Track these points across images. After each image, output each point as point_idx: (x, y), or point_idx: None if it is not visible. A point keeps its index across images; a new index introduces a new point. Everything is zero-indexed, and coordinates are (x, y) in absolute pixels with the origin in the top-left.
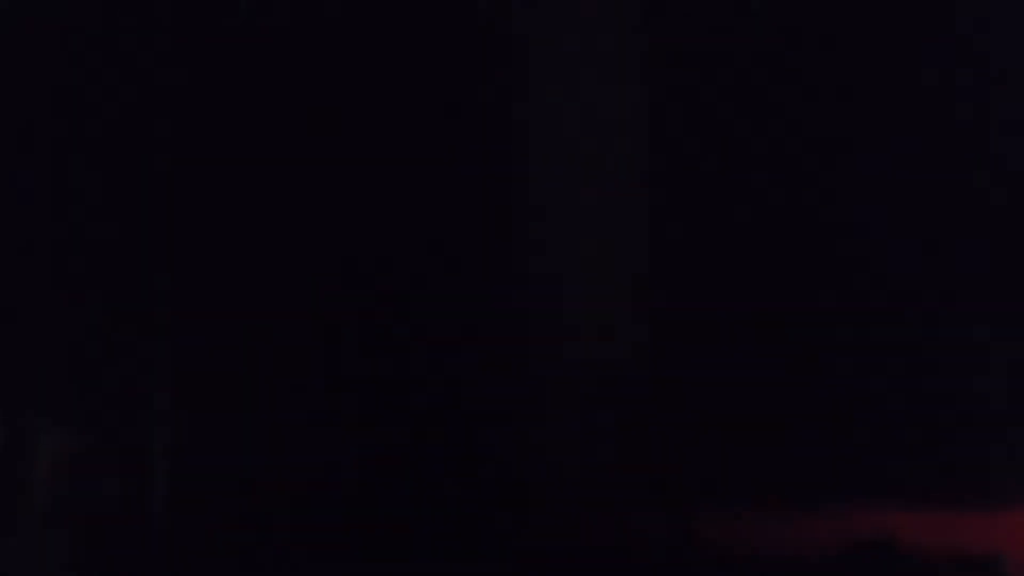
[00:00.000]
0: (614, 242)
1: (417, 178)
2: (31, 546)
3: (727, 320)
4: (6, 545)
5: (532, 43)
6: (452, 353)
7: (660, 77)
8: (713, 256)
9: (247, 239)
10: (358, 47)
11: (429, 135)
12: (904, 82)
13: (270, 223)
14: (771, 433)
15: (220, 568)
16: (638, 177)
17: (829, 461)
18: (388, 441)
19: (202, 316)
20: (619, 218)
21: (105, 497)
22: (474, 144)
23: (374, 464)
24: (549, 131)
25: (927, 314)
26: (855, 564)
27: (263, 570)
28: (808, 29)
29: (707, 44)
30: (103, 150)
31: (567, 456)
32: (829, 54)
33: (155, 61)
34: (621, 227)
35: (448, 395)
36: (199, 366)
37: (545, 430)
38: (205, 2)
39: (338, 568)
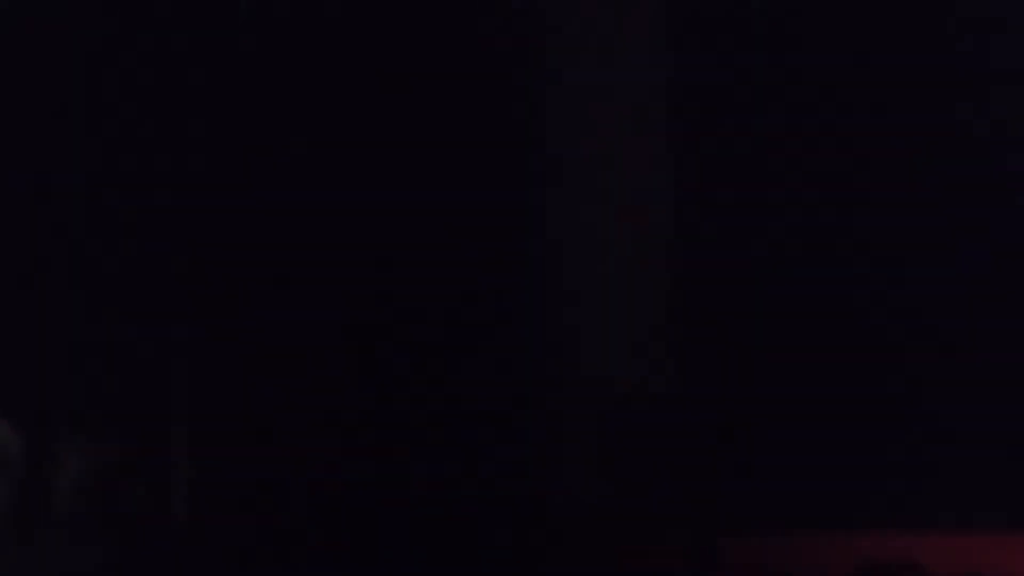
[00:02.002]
0: (637, 265)
1: (439, 195)
2: (56, 557)
3: (748, 347)
4: (32, 555)
5: (552, 85)
6: (474, 374)
7: (685, 93)
8: (731, 289)
9: (265, 255)
10: (379, 56)
11: (455, 148)
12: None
13: (287, 238)
14: (792, 458)
15: None
16: (663, 197)
17: (850, 486)
18: (408, 459)
19: (222, 330)
20: (643, 239)
21: (128, 509)
22: (499, 164)
23: (394, 480)
24: (575, 148)
25: (941, 342)
26: None
27: None
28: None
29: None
30: (133, 180)
31: (587, 480)
32: (849, 58)
33: (185, 75)
34: (645, 248)
35: (469, 416)
36: (219, 378)
37: (566, 454)
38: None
39: None
